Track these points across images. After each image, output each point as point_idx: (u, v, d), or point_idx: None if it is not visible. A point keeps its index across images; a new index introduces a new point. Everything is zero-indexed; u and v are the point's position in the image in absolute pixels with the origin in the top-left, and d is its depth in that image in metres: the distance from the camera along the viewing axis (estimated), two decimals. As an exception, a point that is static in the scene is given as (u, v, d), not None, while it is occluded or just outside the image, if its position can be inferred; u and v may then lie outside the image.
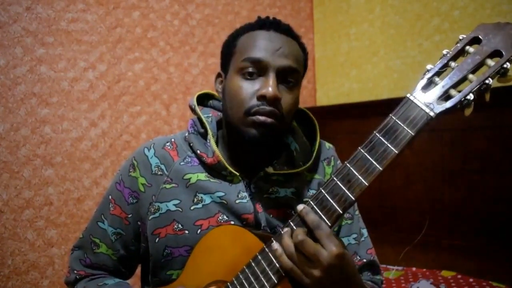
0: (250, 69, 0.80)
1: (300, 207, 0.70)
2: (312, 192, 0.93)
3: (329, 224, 0.68)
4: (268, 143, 0.83)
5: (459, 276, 1.80)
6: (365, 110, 2.30)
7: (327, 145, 1.01)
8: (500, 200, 1.80)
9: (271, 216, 0.87)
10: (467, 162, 1.92)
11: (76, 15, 1.83)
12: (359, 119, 2.31)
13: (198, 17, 2.21)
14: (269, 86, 0.78)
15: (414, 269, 1.96)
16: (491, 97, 0.63)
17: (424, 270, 1.93)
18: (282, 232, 0.71)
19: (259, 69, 0.81)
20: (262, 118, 0.79)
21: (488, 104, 0.63)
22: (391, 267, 2.03)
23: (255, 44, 0.82)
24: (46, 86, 1.74)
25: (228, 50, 0.87)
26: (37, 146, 1.72)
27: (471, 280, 1.75)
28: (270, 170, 0.87)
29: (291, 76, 0.83)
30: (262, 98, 0.79)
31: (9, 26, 1.66)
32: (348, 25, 2.54)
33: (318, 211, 0.69)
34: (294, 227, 0.71)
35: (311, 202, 0.71)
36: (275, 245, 0.71)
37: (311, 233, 0.68)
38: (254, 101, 0.80)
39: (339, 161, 1.01)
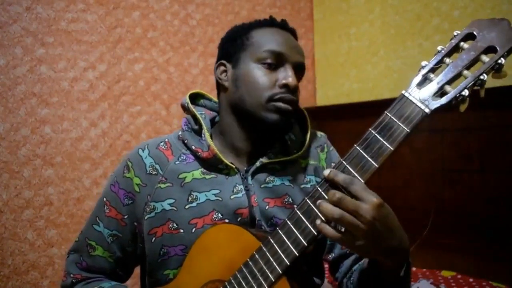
0: (270, 60, 0.86)
1: (327, 171, 0.68)
2: (308, 177, 0.95)
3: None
4: (284, 129, 0.90)
5: (459, 276, 1.79)
6: (365, 110, 2.30)
7: (319, 133, 1.04)
8: (500, 200, 1.79)
9: (267, 207, 0.87)
10: (467, 162, 1.92)
11: (76, 15, 1.83)
12: (359, 119, 2.29)
13: (198, 17, 2.21)
14: (291, 76, 0.85)
15: (414, 269, 1.95)
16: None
17: (424, 270, 1.92)
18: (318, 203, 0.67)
19: (278, 61, 0.86)
20: (284, 105, 0.85)
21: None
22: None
23: (275, 39, 0.88)
24: (46, 86, 1.75)
25: (239, 42, 0.91)
26: (37, 146, 1.72)
27: (471, 280, 1.75)
28: (265, 160, 0.89)
29: (301, 73, 0.91)
30: (284, 86, 0.85)
31: (9, 26, 1.66)
32: (348, 25, 2.54)
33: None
34: (324, 194, 0.68)
35: (307, 200, 0.71)
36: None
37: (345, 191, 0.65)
38: (277, 89, 0.85)
39: (332, 148, 1.03)
